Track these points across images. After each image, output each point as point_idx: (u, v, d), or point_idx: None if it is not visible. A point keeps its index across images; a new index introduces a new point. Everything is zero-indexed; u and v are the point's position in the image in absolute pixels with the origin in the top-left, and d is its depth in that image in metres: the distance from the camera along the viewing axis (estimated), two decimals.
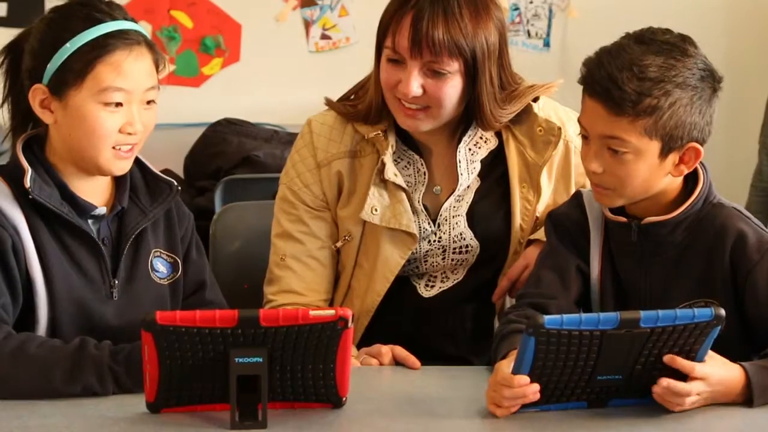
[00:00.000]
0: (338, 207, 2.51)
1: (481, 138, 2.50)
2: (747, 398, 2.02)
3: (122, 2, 2.27)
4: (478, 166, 2.50)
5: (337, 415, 2.01)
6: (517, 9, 4.93)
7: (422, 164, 2.50)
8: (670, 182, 2.18)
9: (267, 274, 2.54)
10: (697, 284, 2.20)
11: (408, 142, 2.50)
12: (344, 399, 2.01)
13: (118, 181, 2.26)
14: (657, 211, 2.20)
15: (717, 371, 2.00)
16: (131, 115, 2.15)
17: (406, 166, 2.50)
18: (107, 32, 2.14)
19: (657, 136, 2.10)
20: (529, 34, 4.95)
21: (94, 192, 2.22)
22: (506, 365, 1.98)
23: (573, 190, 2.52)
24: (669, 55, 2.10)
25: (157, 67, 2.20)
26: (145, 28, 2.18)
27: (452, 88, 2.37)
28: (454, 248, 2.51)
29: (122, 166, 2.20)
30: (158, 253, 2.30)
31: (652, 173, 2.14)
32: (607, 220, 2.25)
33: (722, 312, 1.93)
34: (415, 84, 2.35)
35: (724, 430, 2.00)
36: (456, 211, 2.50)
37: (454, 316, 2.55)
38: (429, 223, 2.49)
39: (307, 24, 4.85)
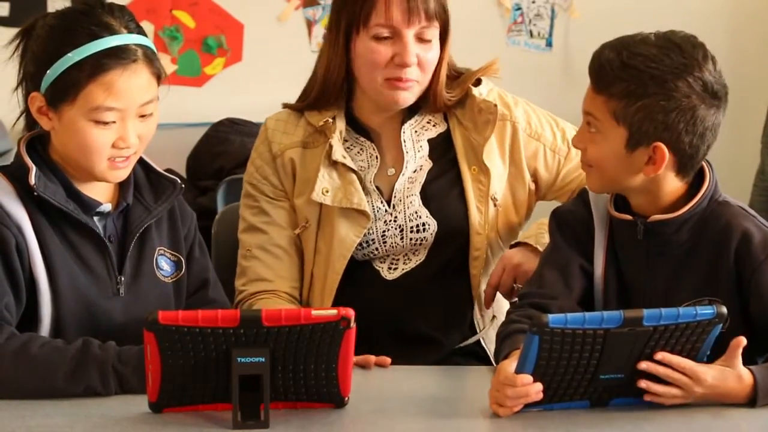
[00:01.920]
0: (294, 197, 2.56)
1: (428, 122, 2.59)
2: (750, 399, 2.02)
3: (124, 2, 2.26)
4: (425, 146, 2.57)
5: (340, 415, 2.01)
6: (519, 9, 4.92)
7: (374, 149, 2.56)
8: (657, 183, 2.16)
9: (237, 269, 2.58)
10: (702, 283, 2.19)
11: (358, 129, 2.58)
12: (346, 399, 2.01)
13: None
14: (662, 210, 2.19)
15: (717, 376, 1.99)
16: (124, 131, 2.14)
17: (359, 152, 2.57)
18: (103, 50, 2.12)
19: (624, 123, 2.11)
20: (531, 34, 4.94)
21: (99, 189, 2.23)
22: (509, 365, 1.98)
23: (526, 173, 2.60)
24: (665, 52, 2.10)
25: (158, 79, 2.19)
26: (146, 28, 2.18)
27: (434, 53, 2.50)
28: (411, 227, 2.54)
29: (119, 175, 2.20)
30: (162, 252, 2.30)
31: (620, 163, 2.14)
32: (612, 218, 2.25)
33: (724, 310, 1.94)
34: (414, 52, 2.46)
35: (727, 429, 2.00)
36: (410, 191, 2.55)
37: (420, 297, 2.56)
38: (382, 202, 2.54)
39: (310, 24, 4.85)
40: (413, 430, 1.96)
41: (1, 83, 2.36)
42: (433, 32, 2.47)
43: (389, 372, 2.28)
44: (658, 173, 2.14)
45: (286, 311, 1.90)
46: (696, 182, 2.21)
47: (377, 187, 2.55)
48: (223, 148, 4.24)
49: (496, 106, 2.55)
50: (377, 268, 2.57)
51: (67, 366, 2.03)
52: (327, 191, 2.50)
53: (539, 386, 1.96)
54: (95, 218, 2.22)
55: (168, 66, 4.65)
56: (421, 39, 2.46)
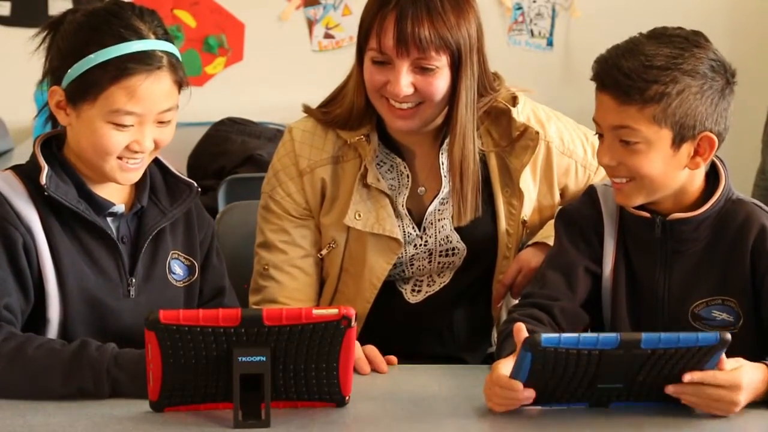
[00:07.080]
0: (321, 214, 2.49)
1: None
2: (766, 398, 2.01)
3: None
4: None
5: (340, 414, 2.01)
6: (520, 8, 4.93)
7: (405, 167, 2.48)
8: (690, 179, 2.17)
9: (251, 283, 2.53)
10: (718, 282, 2.18)
11: (390, 144, 2.49)
12: (347, 398, 2.02)
13: (137, 181, 2.24)
14: (681, 208, 2.19)
15: (747, 376, 1.97)
16: (141, 135, 2.14)
17: (389, 170, 2.48)
18: (129, 53, 2.10)
19: (667, 124, 2.09)
20: (532, 34, 4.94)
21: (113, 190, 2.22)
22: (503, 365, 1.98)
23: (556, 190, 2.54)
24: (677, 46, 2.10)
25: (180, 87, 2.17)
26: None
27: (442, 82, 2.37)
28: (441, 251, 2.50)
29: (129, 177, 2.19)
30: (176, 255, 2.28)
31: (667, 165, 2.12)
32: (624, 215, 2.23)
33: (728, 336, 1.89)
34: (405, 83, 2.34)
35: (727, 429, 1.99)
36: (441, 214, 2.49)
37: (441, 320, 2.55)
38: (413, 227, 2.48)
39: (311, 23, 4.86)
40: (414, 428, 1.97)
41: (1, 83, 2.36)
42: (437, 62, 2.33)
43: (389, 372, 2.28)
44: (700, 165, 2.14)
45: (287, 310, 1.90)
46: (712, 181, 2.20)
47: (408, 211, 2.48)
48: (224, 148, 4.23)
49: (537, 133, 2.45)
50: (400, 289, 2.53)
51: (62, 367, 2.02)
52: (359, 215, 2.43)
53: (531, 392, 1.95)
54: (109, 219, 2.21)
55: None
56: (422, 68, 2.34)
